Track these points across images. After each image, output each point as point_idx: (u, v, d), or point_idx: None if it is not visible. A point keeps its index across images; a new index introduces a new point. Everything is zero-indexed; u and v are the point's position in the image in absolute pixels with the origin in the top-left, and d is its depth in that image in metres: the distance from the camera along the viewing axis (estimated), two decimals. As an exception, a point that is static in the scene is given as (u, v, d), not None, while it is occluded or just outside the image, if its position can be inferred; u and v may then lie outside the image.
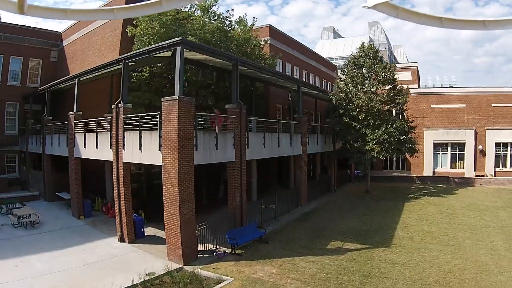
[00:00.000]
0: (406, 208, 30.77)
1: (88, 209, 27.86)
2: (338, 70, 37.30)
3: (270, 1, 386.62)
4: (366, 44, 35.77)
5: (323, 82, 53.43)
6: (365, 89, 34.42)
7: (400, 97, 34.37)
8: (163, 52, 19.44)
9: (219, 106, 24.69)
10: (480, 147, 45.83)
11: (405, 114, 35.63)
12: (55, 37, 42.68)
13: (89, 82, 29.22)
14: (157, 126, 18.75)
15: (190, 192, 18.07)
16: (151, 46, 20.47)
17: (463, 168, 46.48)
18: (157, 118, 18.76)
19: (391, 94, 34.24)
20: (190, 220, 18.25)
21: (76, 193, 27.70)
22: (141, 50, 21.19)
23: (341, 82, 36.16)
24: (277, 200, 26.70)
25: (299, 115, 29.68)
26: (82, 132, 25.95)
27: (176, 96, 17.51)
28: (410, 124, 34.76)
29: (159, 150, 18.49)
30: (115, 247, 21.07)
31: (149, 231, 23.32)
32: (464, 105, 46.13)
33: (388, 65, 34.73)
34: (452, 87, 48.70)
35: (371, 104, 33.07)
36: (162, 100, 18.36)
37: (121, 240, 21.84)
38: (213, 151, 19.75)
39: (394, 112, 36.58)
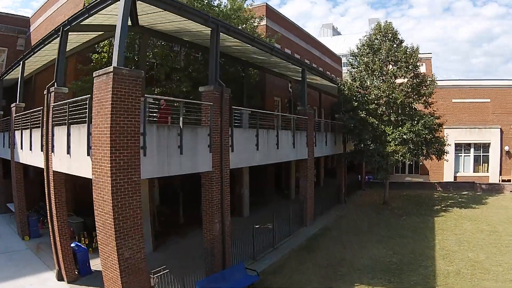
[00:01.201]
0: (437, 225, 23.66)
1: (34, 228, 20.91)
2: (349, 56, 29.75)
3: (268, 1, 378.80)
4: (382, 23, 28.41)
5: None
6: (385, 77, 27.18)
7: (426, 88, 27.16)
8: (108, 4, 12.16)
9: (196, 94, 17.57)
10: (506, 147, 38.70)
11: (430, 108, 28.17)
12: (23, 23, 36.03)
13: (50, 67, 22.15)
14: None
15: (135, 223, 10.77)
16: (91, 2, 13.21)
17: (487, 171, 39.29)
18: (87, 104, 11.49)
19: (414, 84, 27.07)
20: (138, 266, 10.96)
21: (18, 206, 20.73)
22: (79, 10, 13.95)
23: (354, 69, 28.82)
24: (275, 216, 19.46)
25: (303, 108, 22.35)
26: (19, 129, 18.83)
27: (111, 68, 10.23)
28: (437, 121, 27.45)
29: (88, 154, 11.19)
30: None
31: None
32: (489, 100, 38.88)
33: (410, 49, 27.46)
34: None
35: (393, 95, 25.98)
36: (93, 75, 11.12)
37: (59, 278, 14.98)
38: (175, 157, 12.34)
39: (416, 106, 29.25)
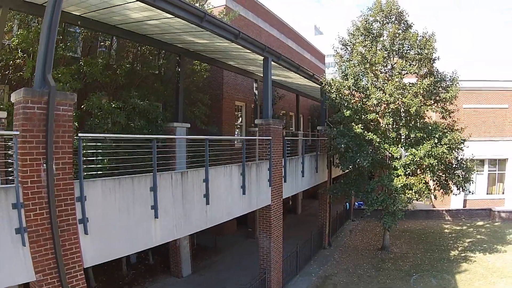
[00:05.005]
0: (464, 291, 15.97)
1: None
2: (337, 43, 21.36)
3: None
4: (383, 0, 19.95)
5: (307, 73, 37.87)
6: (390, 73, 19.15)
7: (445, 90, 19.17)
8: None
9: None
10: (526, 165, 31.10)
11: (449, 119, 20.17)
12: None
13: None
14: None
15: None
16: None
17: (503, 193, 31.66)
18: None
19: (432, 84, 18.45)
20: None
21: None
22: None
23: (344, 63, 20.25)
24: (226, 280, 11.81)
25: (265, 120, 13.69)
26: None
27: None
28: (459, 137, 18.89)
29: None
30: None
31: None
32: (507, 106, 31.25)
33: (423, 36, 19.21)
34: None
35: (404, 100, 17.74)
36: None
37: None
38: None
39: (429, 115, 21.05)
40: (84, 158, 7.26)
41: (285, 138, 14.84)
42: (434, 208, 30.60)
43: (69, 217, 6.60)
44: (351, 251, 21.54)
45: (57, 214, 6.35)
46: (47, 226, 6.26)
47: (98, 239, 7.26)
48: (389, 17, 19.53)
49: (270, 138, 13.32)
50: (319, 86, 20.33)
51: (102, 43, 16.17)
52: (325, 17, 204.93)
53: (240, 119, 24.04)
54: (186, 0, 10.45)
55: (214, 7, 20.44)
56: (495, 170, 31.77)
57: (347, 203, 28.79)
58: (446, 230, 26.21)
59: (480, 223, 28.15)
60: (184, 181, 9.12)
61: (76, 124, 11.75)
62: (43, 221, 6.22)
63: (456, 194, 20.95)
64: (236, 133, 23.11)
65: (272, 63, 14.33)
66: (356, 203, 30.60)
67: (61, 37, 13.20)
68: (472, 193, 21.92)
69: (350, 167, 18.72)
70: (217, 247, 20.90)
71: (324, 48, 47.61)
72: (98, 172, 7.55)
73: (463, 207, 30.49)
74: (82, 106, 12.19)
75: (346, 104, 18.46)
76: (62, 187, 6.42)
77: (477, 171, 30.94)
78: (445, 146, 17.32)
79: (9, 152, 6.22)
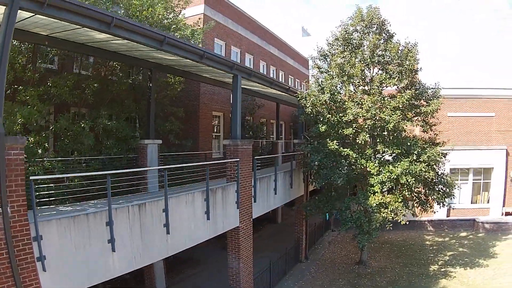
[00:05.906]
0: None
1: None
2: (315, 53, 21.57)
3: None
4: (365, 9, 20.16)
5: (289, 79, 37.75)
6: (368, 86, 19.36)
7: (426, 102, 19.46)
8: None
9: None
10: (512, 174, 31.84)
11: (430, 132, 20.43)
12: None
13: None
14: None
15: None
16: None
17: (488, 202, 32.30)
18: None
19: (413, 97, 18.71)
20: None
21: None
22: None
23: (321, 74, 20.53)
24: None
25: (233, 141, 13.92)
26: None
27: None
28: (440, 149, 19.34)
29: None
30: None
31: None
32: (493, 115, 31.89)
33: (405, 47, 19.48)
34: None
35: (382, 115, 17.86)
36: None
37: None
38: None
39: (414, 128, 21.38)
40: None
41: (255, 158, 15.17)
42: (416, 218, 31.01)
43: (27, 256, 7.19)
44: (328, 265, 21.89)
45: (16, 253, 6.96)
46: (7, 265, 6.91)
47: (57, 275, 7.78)
48: (370, 26, 19.70)
49: (238, 159, 13.51)
50: (295, 97, 20.66)
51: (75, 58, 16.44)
52: (315, 18, 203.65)
53: (218, 129, 24.46)
54: (146, 24, 10.81)
55: (188, 17, 20.13)
56: (480, 179, 32.34)
57: (327, 214, 29.27)
58: (427, 242, 26.64)
59: (463, 234, 28.65)
60: (142, 213, 9.42)
61: (47, 145, 12.18)
62: (3, 261, 6.84)
63: (435, 212, 21.39)
64: (212, 143, 23.47)
65: (244, 80, 14.80)
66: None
67: (31, 55, 13.60)
68: (453, 209, 22.47)
69: (324, 183, 18.87)
70: (194, 260, 21.08)
71: (311, 50, 47.86)
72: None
73: (447, 216, 30.89)
74: (51, 128, 12.60)
75: (321, 119, 18.74)
76: (18, 228, 6.98)
77: (462, 181, 31.68)
78: (423, 163, 17.50)
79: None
